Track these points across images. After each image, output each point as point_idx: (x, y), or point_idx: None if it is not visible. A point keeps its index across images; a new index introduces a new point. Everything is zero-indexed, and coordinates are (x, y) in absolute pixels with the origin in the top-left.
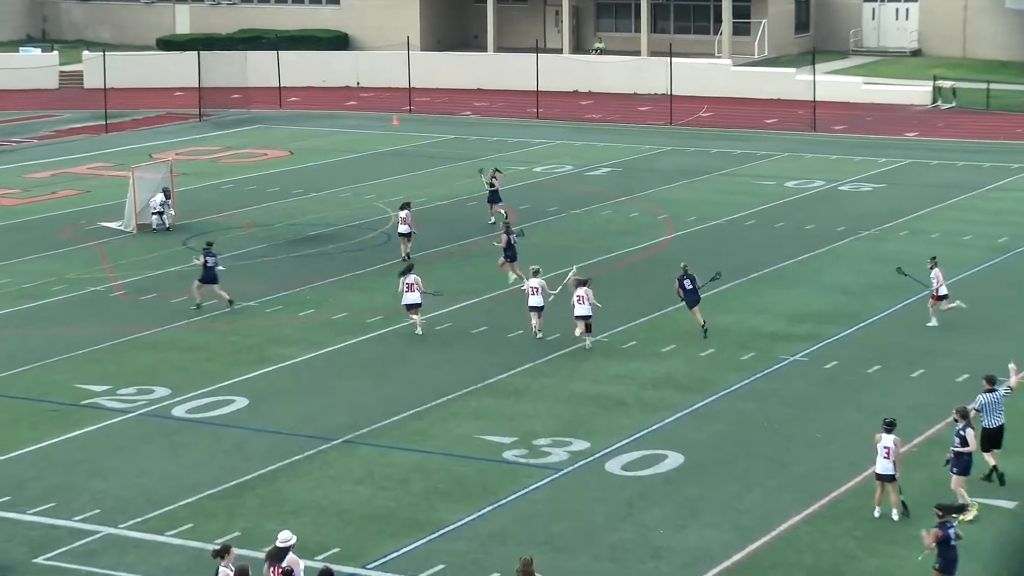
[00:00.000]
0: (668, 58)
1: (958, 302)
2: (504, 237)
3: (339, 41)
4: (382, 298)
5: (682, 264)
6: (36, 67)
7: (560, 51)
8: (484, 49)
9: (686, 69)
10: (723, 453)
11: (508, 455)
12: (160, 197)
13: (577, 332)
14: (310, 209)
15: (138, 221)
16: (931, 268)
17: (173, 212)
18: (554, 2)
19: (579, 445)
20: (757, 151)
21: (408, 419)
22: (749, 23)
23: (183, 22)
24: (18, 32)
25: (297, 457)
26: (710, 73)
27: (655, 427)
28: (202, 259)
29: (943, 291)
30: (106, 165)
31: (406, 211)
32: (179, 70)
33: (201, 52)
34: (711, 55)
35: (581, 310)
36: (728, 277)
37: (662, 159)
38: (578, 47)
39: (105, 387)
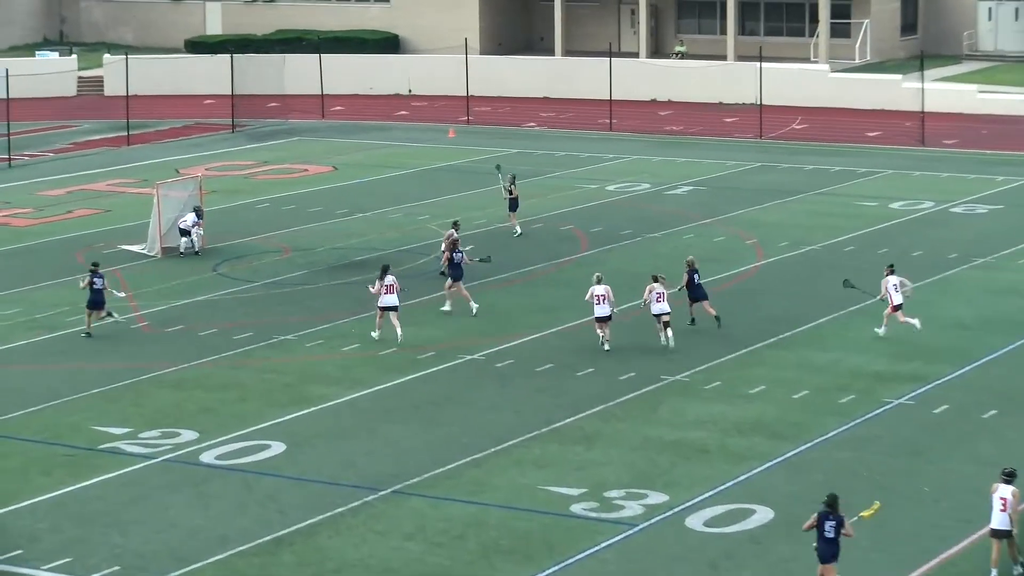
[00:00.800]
0: (758, 63)
1: (915, 321)
2: (447, 254)
3: (388, 43)
4: (434, 332)
5: (689, 258)
6: (52, 72)
7: (636, 55)
8: (551, 53)
9: (778, 75)
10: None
11: (576, 508)
12: (192, 217)
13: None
14: (355, 231)
15: (163, 244)
16: (886, 275)
17: (202, 233)
18: (630, 1)
19: (656, 498)
20: (858, 168)
21: (464, 467)
22: (849, 24)
23: (214, 22)
24: (33, 34)
25: (339, 509)
26: (805, 80)
27: (741, 478)
28: (87, 281)
29: (898, 300)
30: (127, 181)
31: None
32: (209, 75)
33: (234, 55)
34: (806, 60)
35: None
36: (823, 310)
37: (750, 176)
38: (657, 51)
39: (125, 430)
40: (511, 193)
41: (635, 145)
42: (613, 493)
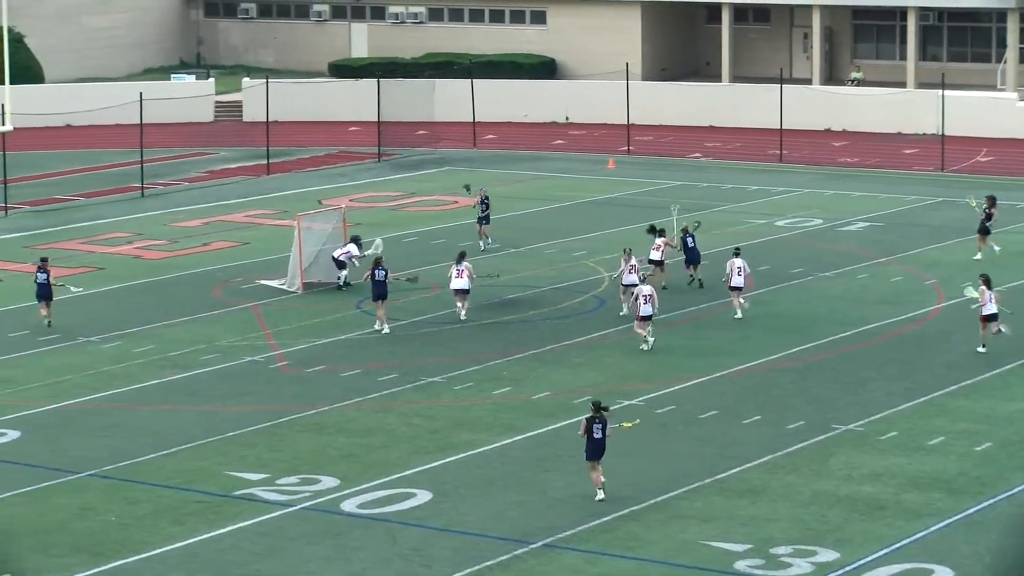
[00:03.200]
0: (940, 91)
1: None
2: (368, 272)
3: (545, 68)
4: (591, 375)
5: (685, 224)
6: (189, 97)
7: (809, 82)
8: (718, 79)
9: (961, 104)
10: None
11: (741, 566)
12: (352, 248)
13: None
14: (507, 268)
15: (304, 279)
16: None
17: (357, 265)
18: (803, 23)
19: (826, 555)
20: None
21: (621, 520)
22: None
23: (360, 44)
24: (169, 56)
25: (488, 563)
26: (991, 109)
27: (918, 536)
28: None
29: (737, 282)
30: (267, 212)
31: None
32: (354, 101)
33: (381, 80)
34: (992, 87)
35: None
36: (1009, 356)
37: (931, 212)
38: (831, 77)
39: (262, 475)
40: (485, 208)
41: (807, 178)
42: (780, 550)
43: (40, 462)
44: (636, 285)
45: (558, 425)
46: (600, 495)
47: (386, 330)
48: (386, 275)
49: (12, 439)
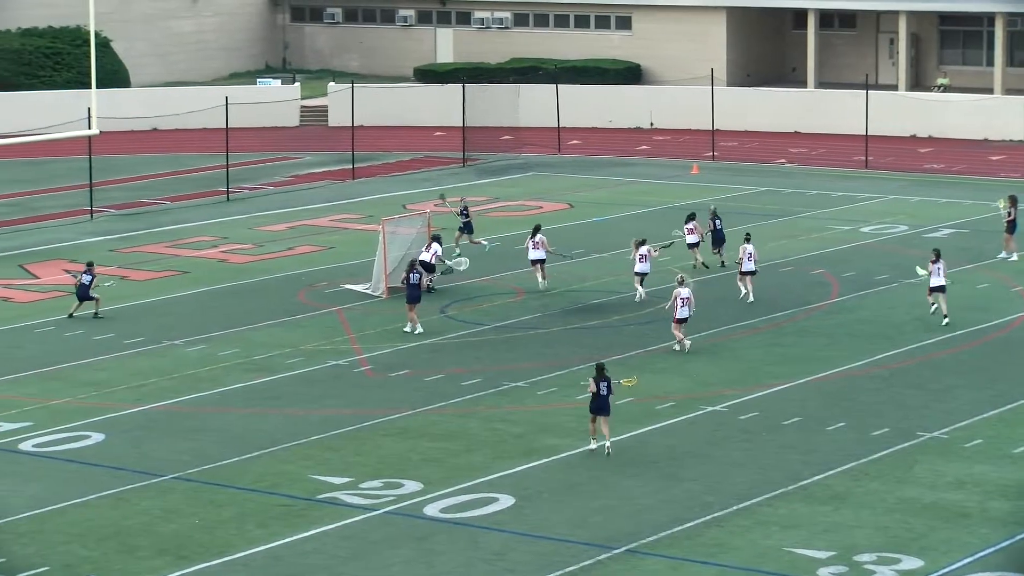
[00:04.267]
0: None
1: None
2: (404, 275)
3: (630, 74)
4: (675, 381)
5: (712, 207)
6: (274, 101)
7: (895, 88)
8: (803, 84)
9: None
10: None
11: (824, 573)
12: (436, 247)
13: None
14: (591, 273)
15: (388, 284)
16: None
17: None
18: (888, 29)
19: (910, 563)
20: None
21: (704, 526)
22: None
23: (445, 49)
24: (255, 61)
25: (570, 568)
26: None
27: (1004, 545)
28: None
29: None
30: (352, 217)
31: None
32: (439, 106)
33: (466, 84)
34: None
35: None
36: None
37: (1018, 219)
38: (917, 83)
39: (345, 479)
40: (466, 215)
41: (892, 184)
42: (864, 557)
43: (125, 465)
44: (646, 275)
45: (641, 431)
46: (592, 445)
47: (419, 330)
48: (420, 279)
49: (97, 441)
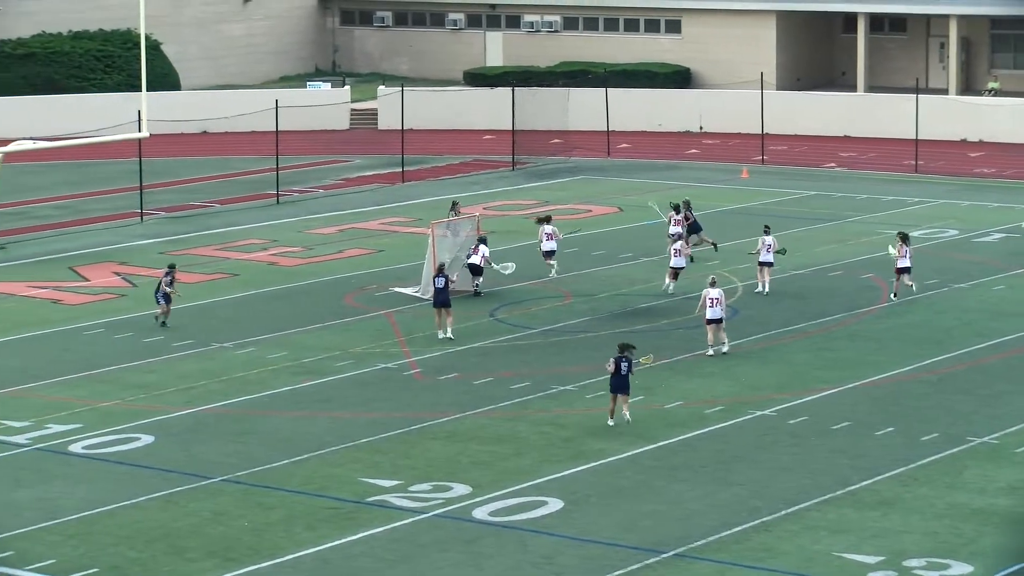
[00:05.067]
0: None
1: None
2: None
3: (679, 77)
4: (723, 385)
5: (685, 199)
6: (324, 104)
7: (945, 91)
8: (853, 88)
9: None
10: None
11: None
12: (484, 250)
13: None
14: (640, 277)
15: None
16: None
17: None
18: (939, 33)
19: (960, 569)
20: None
21: (752, 531)
22: None
23: (495, 52)
24: (305, 64)
25: (618, 572)
26: None
27: None
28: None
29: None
30: (401, 220)
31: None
32: (489, 109)
33: (515, 88)
34: None
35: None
36: None
37: None
38: (967, 87)
39: (394, 482)
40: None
41: (942, 188)
42: (913, 562)
43: (173, 467)
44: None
45: (690, 435)
46: (611, 422)
47: (448, 335)
48: (446, 282)
49: (146, 444)
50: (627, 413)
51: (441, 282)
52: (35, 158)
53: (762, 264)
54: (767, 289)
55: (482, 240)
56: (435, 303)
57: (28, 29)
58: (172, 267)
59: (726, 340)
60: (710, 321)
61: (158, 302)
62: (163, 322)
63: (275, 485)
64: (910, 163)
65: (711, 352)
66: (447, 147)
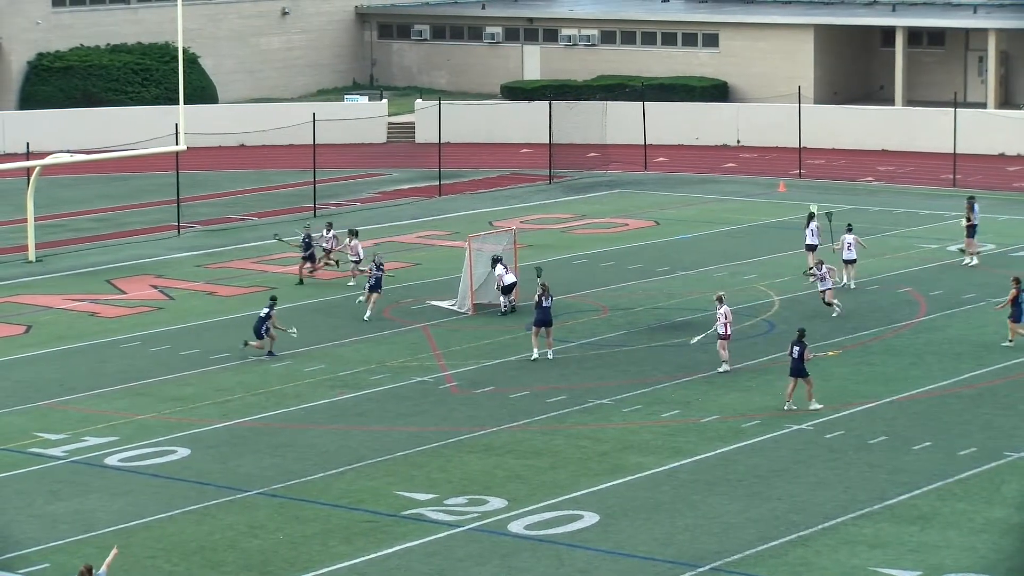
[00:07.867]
0: None
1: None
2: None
3: (717, 91)
4: (761, 399)
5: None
6: (362, 118)
7: (983, 106)
8: (891, 102)
9: None
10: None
11: None
12: (501, 270)
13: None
14: (677, 291)
15: (474, 300)
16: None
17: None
18: (978, 47)
19: None
20: None
21: (789, 545)
22: None
23: (532, 66)
24: (343, 78)
25: None
26: None
27: None
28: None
29: None
30: (438, 233)
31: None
32: (526, 122)
33: (553, 102)
34: None
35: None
36: None
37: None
38: (1006, 101)
39: (430, 496)
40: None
41: (980, 203)
42: None
43: (210, 480)
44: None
45: (727, 449)
46: (786, 406)
47: (548, 355)
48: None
49: (183, 456)
50: (813, 402)
51: (549, 301)
52: (73, 171)
53: (846, 261)
54: (853, 284)
55: (498, 260)
56: (536, 322)
57: (66, 43)
58: (274, 300)
59: (726, 359)
60: (721, 337)
61: (259, 336)
62: (269, 351)
63: (311, 498)
64: (948, 177)
65: (722, 369)
66: (484, 161)
